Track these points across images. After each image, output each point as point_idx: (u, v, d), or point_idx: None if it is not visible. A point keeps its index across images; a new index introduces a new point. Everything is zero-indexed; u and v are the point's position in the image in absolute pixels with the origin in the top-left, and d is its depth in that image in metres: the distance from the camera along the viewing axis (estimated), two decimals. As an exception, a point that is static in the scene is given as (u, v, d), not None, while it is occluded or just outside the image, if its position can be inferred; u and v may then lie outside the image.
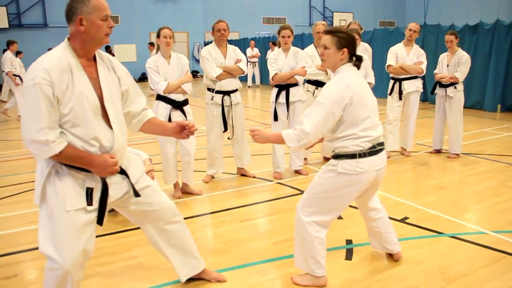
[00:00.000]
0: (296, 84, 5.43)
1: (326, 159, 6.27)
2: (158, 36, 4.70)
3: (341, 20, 25.57)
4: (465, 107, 6.99)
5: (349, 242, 3.71)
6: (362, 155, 2.80)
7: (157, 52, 4.76)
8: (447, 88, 6.44)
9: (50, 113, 2.19)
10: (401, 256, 3.37)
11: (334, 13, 26.83)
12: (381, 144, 2.91)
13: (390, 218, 4.08)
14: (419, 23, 6.81)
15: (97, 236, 3.83)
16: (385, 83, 9.08)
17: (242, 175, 5.68)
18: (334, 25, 25.64)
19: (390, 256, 3.41)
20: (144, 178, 2.69)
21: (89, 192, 2.37)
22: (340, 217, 4.25)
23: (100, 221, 2.43)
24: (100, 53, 2.49)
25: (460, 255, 3.46)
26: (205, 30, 23.08)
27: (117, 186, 2.49)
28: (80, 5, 2.26)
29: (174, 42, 4.76)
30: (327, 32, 2.91)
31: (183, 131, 2.70)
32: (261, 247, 3.67)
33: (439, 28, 11.87)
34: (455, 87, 6.34)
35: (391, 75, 6.47)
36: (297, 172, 5.73)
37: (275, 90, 5.47)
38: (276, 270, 3.28)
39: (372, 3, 28.60)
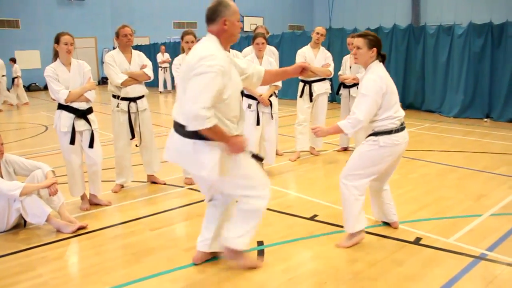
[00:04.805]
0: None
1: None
2: (57, 42, 4.40)
3: (251, 24, 25.86)
4: (369, 106, 7.33)
5: (260, 243, 3.74)
6: (396, 130, 3.50)
7: (55, 59, 4.49)
8: (350, 89, 6.74)
9: (216, 96, 2.69)
10: (398, 226, 3.99)
11: (244, 17, 27.10)
12: (404, 122, 3.60)
13: (300, 216, 4.20)
14: (325, 27, 7.04)
15: (-5, 257, 3.62)
16: (294, 86, 9.32)
17: (153, 182, 5.54)
18: (244, 29, 25.99)
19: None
20: None
21: None
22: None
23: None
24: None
25: (366, 247, 3.62)
26: (114, 36, 22.34)
27: None
28: (224, 9, 2.83)
29: (75, 48, 4.54)
30: (359, 35, 3.55)
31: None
32: (172, 254, 3.60)
33: (344, 32, 12.43)
34: (358, 88, 6.63)
35: (300, 77, 6.56)
36: (210, 176, 5.68)
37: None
38: (188, 277, 3.23)
39: (281, 8, 29.31)
